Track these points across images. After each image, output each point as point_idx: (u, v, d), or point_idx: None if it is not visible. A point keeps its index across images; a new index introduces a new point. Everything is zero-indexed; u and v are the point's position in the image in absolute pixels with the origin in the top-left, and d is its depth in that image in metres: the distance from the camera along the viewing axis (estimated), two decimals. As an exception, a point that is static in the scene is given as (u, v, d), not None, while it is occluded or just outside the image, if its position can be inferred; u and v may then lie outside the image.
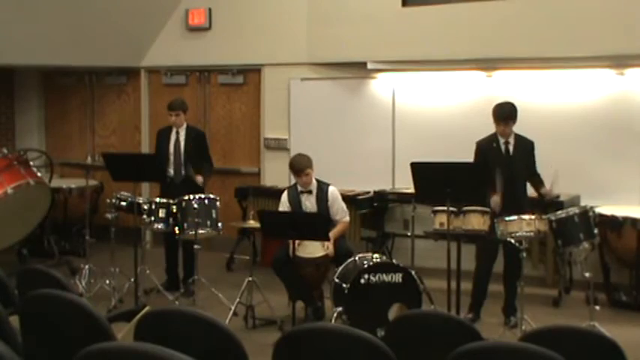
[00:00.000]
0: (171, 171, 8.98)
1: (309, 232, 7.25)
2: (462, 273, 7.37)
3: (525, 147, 7.82)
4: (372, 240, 9.75)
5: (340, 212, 8.04)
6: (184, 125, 9.12)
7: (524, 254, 7.07)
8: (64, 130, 12.62)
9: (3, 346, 2.97)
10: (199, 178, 8.90)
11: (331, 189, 8.04)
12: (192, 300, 8.23)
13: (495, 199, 7.55)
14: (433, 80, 9.88)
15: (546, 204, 8.03)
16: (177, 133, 9.09)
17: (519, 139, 7.82)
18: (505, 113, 7.70)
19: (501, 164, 7.64)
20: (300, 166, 7.89)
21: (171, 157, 9.01)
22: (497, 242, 7.60)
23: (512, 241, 7.11)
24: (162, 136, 9.21)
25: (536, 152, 7.91)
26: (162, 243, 9.32)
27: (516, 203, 7.49)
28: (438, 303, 7.84)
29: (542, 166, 8.03)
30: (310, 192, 7.99)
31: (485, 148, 7.83)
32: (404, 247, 9.47)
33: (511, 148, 7.77)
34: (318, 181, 8.04)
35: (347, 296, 7.08)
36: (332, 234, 7.67)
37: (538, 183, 7.89)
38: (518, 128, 7.83)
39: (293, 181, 8.28)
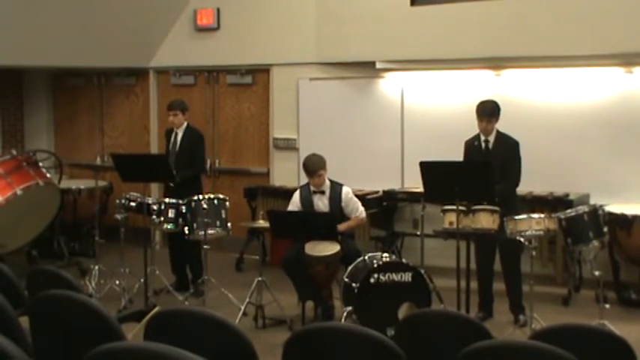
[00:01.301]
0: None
1: (318, 232, 7.26)
2: (472, 272, 7.37)
3: (505, 145, 7.76)
4: (382, 239, 9.74)
5: (355, 211, 8.05)
6: (184, 126, 9.07)
7: (534, 253, 7.06)
8: (73, 131, 12.65)
9: (13, 347, 2.98)
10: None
11: (345, 190, 8.04)
12: (202, 300, 8.23)
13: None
14: (442, 79, 9.87)
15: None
16: (177, 133, 9.09)
17: (501, 137, 7.79)
18: (487, 110, 7.72)
19: None
20: (313, 167, 7.88)
21: (170, 158, 9.01)
22: (494, 241, 7.59)
23: (522, 239, 7.08)
24: (167, 137, 9.24)
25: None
26: (171, 243, 9.33)
27: (500, 203, 7.41)
28: (447, 302, 7.84)
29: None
30: (323, 192, 7.98)
31: (470, 147, 7.89)
32: (413, 246, 9.46)
33: (490, 146, 7.77)
34: (331, 181, 8.04)
35: (356, 295, 7.08)
36: (344, 224, 7.77)
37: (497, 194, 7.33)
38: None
39: (302, 181, 8.28)
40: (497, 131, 7.79)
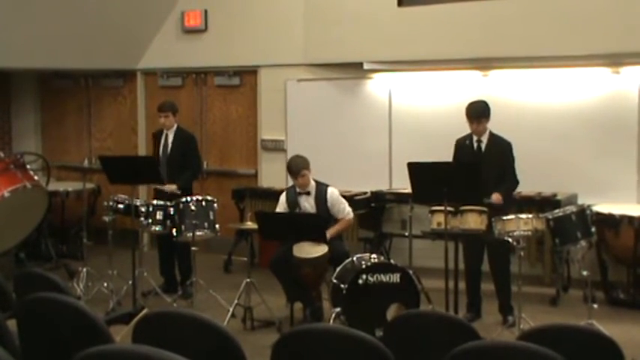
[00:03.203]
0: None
1: (307, 233, 7.25)
2: (460, 272, 7.38)
3: (499, 147, 7.76)
4: (370, 240, 9.75)
5: (342, 212, 8.03)
6: (174, 127, 9.07)
7: (522, 253, 7.08)
8: (61, 133, 12.62)
9: (1, 350, 2.97)
10: (171, 187, 8.66)
11: (330, 190, 8.03)
12: (190, 302, 8.22)
13: (496, 196, 7.48)
14: (429, 80, 9.89)
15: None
16: (167, 135, 9.08)
17: (494, 138, 7.79)
18: (476, 111, 7.72)
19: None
20: (296, 167, 7.89)
21: (161, 160, 8.99)
22: (482, 241, 7.59)
23: (510, 240, 7.09)
24: (156, 139, 9.21)
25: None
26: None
27: (489, 203, 7.42)
28: (436, 303, 7.85)
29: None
30: (309, 193, 7.98)
31: (460, 145, 7.89)
32: (401, 247, 9.46)
33: (483, 146, 7.77)
34: (316, 182, 8.03)
35: (345, 297, 7.08)
36: (332, 229, 7.73)
37: (501, 188, 7.60)
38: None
39: (290, 182, 8.27)
40: (490, 132, 7.79)
